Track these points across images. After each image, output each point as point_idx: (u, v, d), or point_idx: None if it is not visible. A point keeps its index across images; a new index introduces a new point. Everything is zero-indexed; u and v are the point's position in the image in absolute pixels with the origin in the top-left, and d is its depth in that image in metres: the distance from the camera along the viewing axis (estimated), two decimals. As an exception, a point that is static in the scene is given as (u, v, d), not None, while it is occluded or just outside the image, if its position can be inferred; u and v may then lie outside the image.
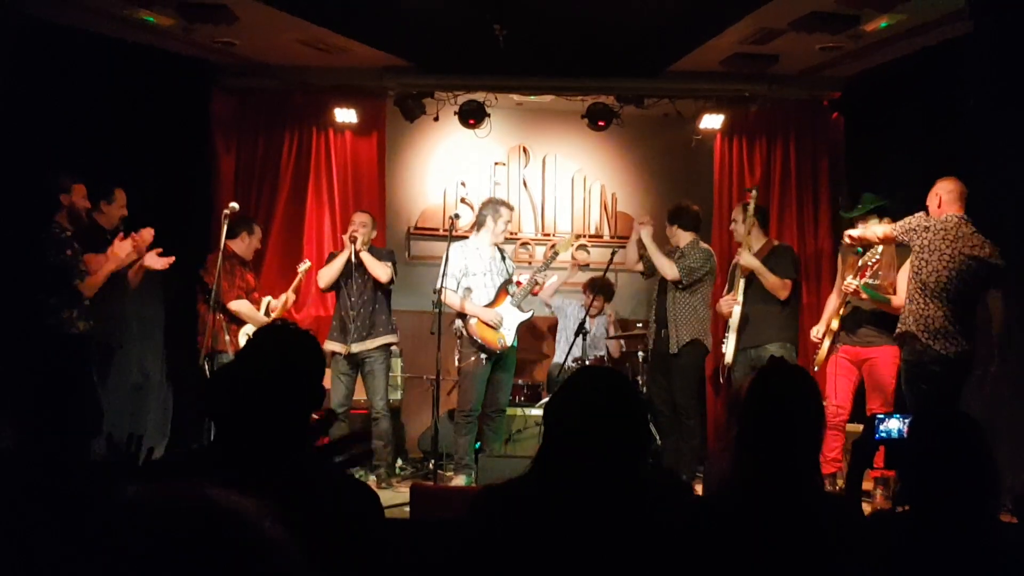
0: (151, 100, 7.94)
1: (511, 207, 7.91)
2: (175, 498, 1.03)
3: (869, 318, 6.84)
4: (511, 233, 8.17)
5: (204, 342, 7.35)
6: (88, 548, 0.98)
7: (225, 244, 7.45)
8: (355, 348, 7.67)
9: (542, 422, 2.63)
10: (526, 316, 7.65)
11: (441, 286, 7.46)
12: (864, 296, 6.63)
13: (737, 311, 7.29)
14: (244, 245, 7.88)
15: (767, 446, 2.56)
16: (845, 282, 6.70)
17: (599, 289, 8.78)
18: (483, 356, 7.51)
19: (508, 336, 7.51)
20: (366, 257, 7.68)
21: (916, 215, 6.13)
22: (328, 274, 7.78)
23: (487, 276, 7.62)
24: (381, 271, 7.71)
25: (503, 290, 7.62)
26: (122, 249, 6.73)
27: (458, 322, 7.62)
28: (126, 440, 2.82)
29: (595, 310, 8.88)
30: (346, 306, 7.72)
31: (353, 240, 7.64)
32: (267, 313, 7.91)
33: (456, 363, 7.86)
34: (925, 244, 6.00)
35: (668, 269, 7.44)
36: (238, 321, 7.66)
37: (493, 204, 7.81)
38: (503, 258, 7.83)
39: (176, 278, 7.65)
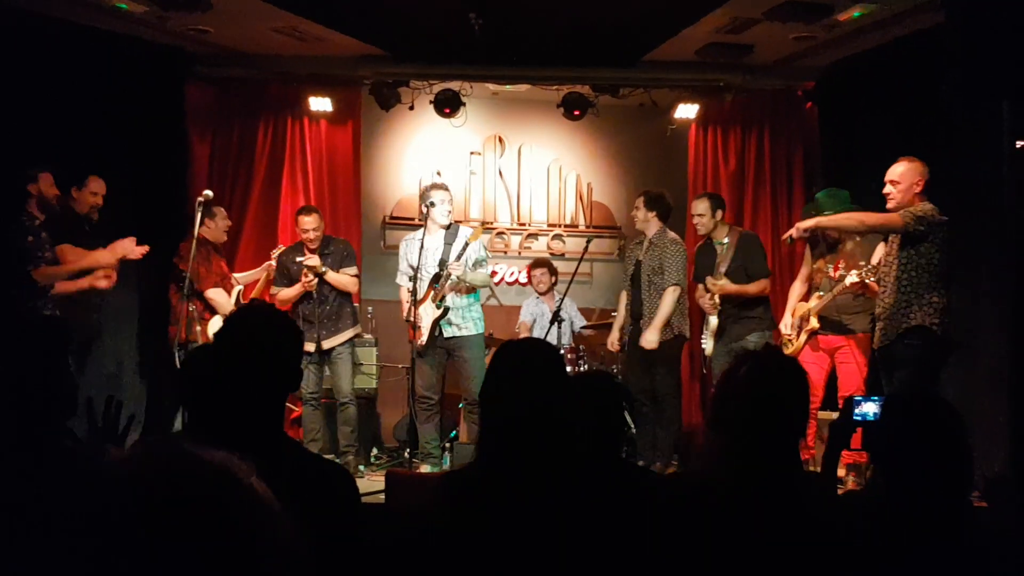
0: (125, 88, 7.87)
1: (443, 187, 7.78)
2: (160, 456, 1.02)
3: (840, 307, 6.88)
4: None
5: (176, 332, 7.34)
6: (72, 514, 0.97)
7: (198, 232, 7.46)
8: (325, 345, 7.74)
9: (480, 404, 2.64)
10: (436, 313, 7.52)
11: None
12: (876, 288, 6.57)
13: (714, 320, 7.40)
14: (213, 230, 7.79)
15: (754, 431, 2.58)
16: (847, 281, 6.63)
17: (540, 264, 8.97)
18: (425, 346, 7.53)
19: (424, 334, 7.48)
20: (333, 278, 7.72)
21: (926, 206, 6.06)
22: (286, 297, 7.78)
23: (422, 269, 7.54)
24: (351, 284, 7.85)
25: (431, 286, 7.56)
26: (104, 257, 6.72)
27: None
28: (105, 406, 2.80)
29: (543, 286, 8.90)
30: (310, 306, 7.73)
31: (319, 274, 7.66)
32: (239, 302, 7.86)
33: None
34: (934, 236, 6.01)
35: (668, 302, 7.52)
36: (211, 310, 7.61)
37: (426, 191, 7.76)
38: (462, 246, 7.56)
39: (151, 267, 7.62)
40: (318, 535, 2.23)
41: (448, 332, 7.51)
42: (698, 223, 7.68)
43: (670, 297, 7.49)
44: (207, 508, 0.99)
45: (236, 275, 8.14)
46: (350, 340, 7.88)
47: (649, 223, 7.70)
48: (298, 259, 7.73)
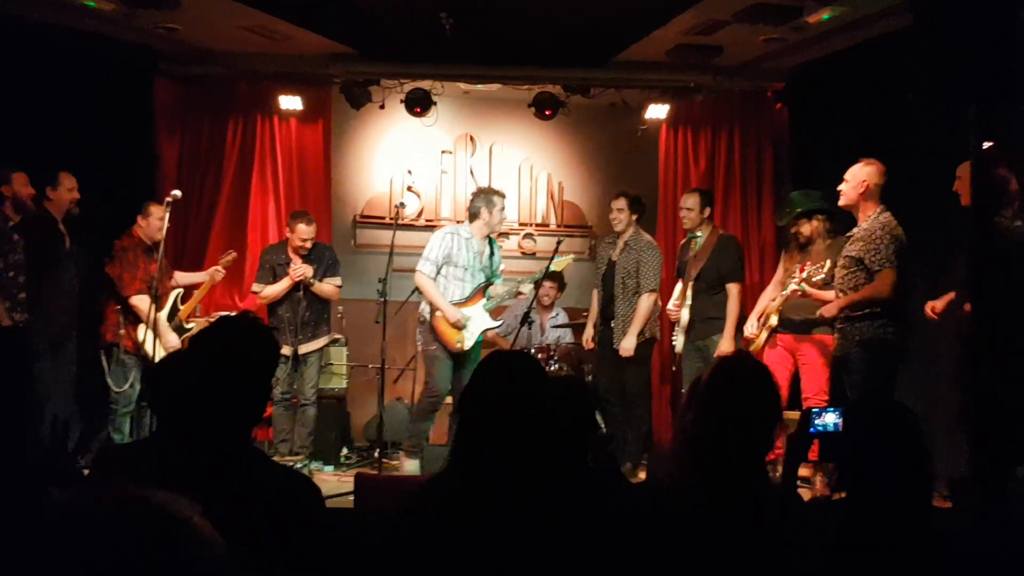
0: (93, 87, 7.83)
1: (503, 195, 7.62)
2: (102, 500, 1.02)
3: (801, 306, 6.91)
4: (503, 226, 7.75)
5: (102, 333, 7.35)
6: (16, 557, 0.97)
7: (130, 230, 7.47)
8: (302, 350, 7.74)
9: (458, 411, 2.64)
10: (494, 325, 7.43)
11: (417, 268, 7.31)
12: (815, 294, 6.66)
13: (686, 314, 7.40)
14: (145, 228, 7.52)
15: (723, 437, 2.58)
16: (787, 290, 6.72)
17: (553, 278, 8.86)
18: (443, 347, 7.29)
19: (468, 340, 7.23)
20: (319, 288, 7.73)
21: (882, 235, 6.04)
22: (271, 294, 7.72)
23: (468, 271, 7.32)
24: (334, 294, 7.89)
25: (480, 291, 7.37)
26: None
27: (425, 307, 7.42)
28: (51, 427, 2.80)
29: (548, 299, 8.86)
30: (290, 311, 7.71)
31: (308, 284, 7.64)
32: (174, 309, 7.73)
33: (418, 346, 7.74)
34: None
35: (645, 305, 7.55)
36: (135, 316, 7.41)
37: (486, 194, 7.52)
38: (491, 254, 7.51)
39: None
40: (284, 545, 2.23)
41: (470, 345, 7.30)
42: (685, 217, 7.70)
43: (646, 303, 7.52)
44: (149, 552, 0.99)
45: (178, 274, 7.98)
46: (324, 346, 7.95)
47: (629, 224, 7.73)
48: (286, 261, 7.72)
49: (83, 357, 7.43)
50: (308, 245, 7.71)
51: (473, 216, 7.42)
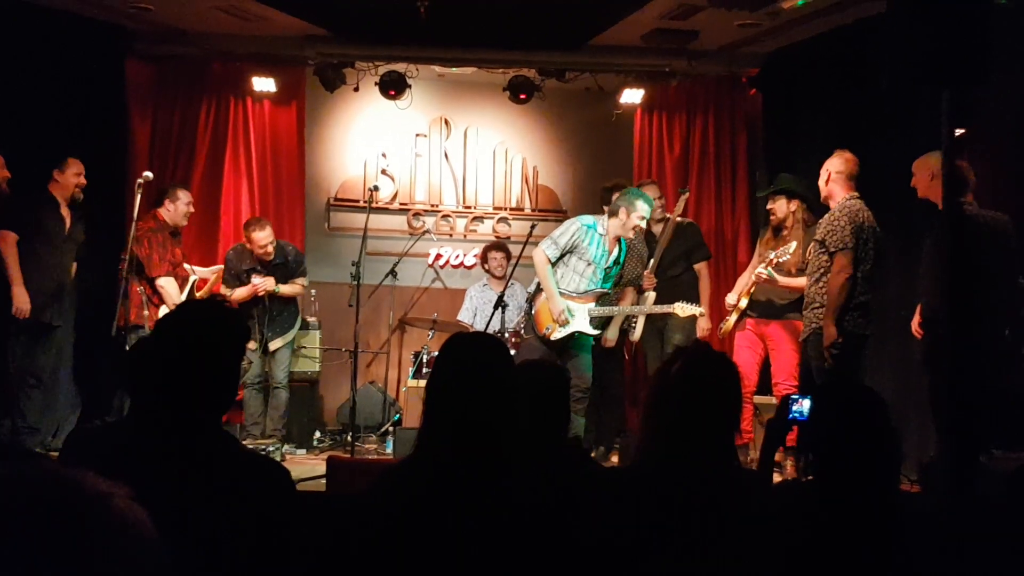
0: (63, 66, 7.75)
1: (652, 202, 7.10)
2: (20, 479, 1.01)
3: (770, 289, 6.95)
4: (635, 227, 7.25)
5: (124, 313, 7.25)
6: None
7: (155, 212, 7.40)
8: (272, 346, 7.85)
9: (424, 396, 2.63)
10: (590, 332, 6.95)
11: (541, 249, 6.89)
12: (780, 283, 6.71)
13: (651, 295, 7.38)
14: (172, 213, 7.58)
15: (686, 429, 2.59)
16: (756, 271, 6.77)
17: (499, 247, 8.93)
18: (536, 335, 7.00)
19: (559, 332, 6.84)
20: (286, 290, 7.81)
21: (839, 216, 6.03)
22: (240, 298, 7.75)
23: (591, 267, 6.89)
24: (301, 291, 8.06)
25: (594, 294, 6.95)
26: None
27: (532, 287, 7.23)
28: None
29: (500, 270, 8.76)
30: (259, 308, 7.77)
31: (267, 294, 7.72)
32: (191, 294, 7.72)
33: (520, 330, 7.78)
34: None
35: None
36: (160, 297, 7.42)
37: (629, 197, 6.92)
38: (619, 260, 7.08)
39: (91, 249, 7.54)
40: (252, 531, 2.22)
41: (557, 336, 6.89)
42: (657, 208, 7.67)
43: (629, 296, 7.53)
44: (64, 532, 0.98)
45: (197, 269, 7.94)
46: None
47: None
48: (250, 268, 7.78)
49: (93, 340, 7.50)
50: (270, 250, 7.74)
51: (612, 213, 6.96)
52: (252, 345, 7.52)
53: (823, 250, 6.06)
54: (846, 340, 5.90)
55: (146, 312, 7.32)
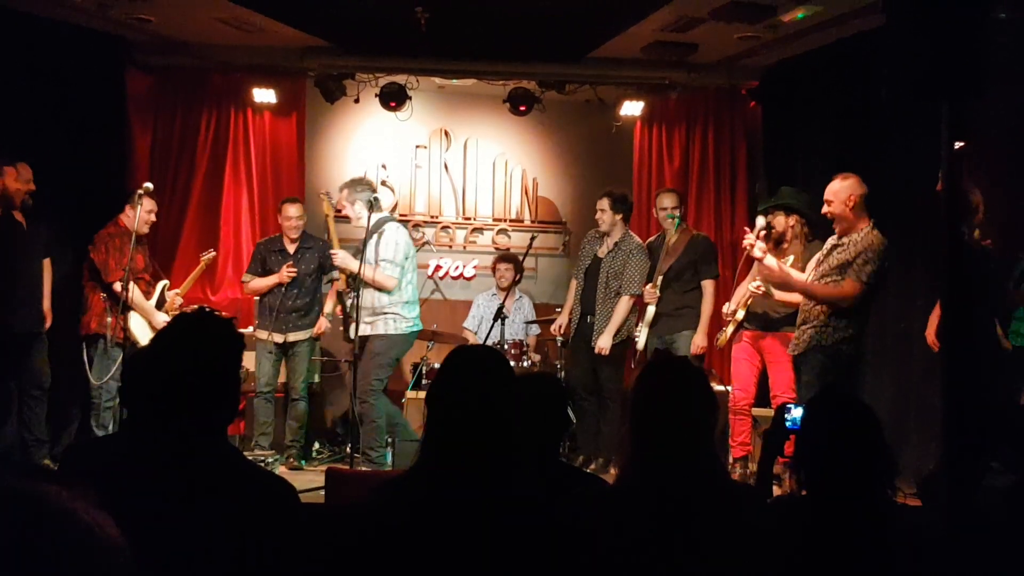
0: (65, 77, 7.75)
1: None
2: None
3: (768, 305, 6.92)
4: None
5: (87, 322, 7.24)
6: None
7: (117, 218, 7.43)
8: (291, 338, 7.76)
9: (425, 408, 2.62)
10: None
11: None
12: (776, 297, 6.68)
13: (651, 310, 7.39)
14: (132, 218, 7.27)
15: (657, 438, 2.57)
16: (752, 285, 6.72)
17: (508, 259, 8.89)
18: None
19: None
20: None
21: (877, 252, 5.91)
22: (256, 288, 7.79)
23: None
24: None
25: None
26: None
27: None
28: None
29: (505, 281, 8.74)
30: (281, 299, 7.69)
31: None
32: (160, 300, 7.71)
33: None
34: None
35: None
36: (118, 302, 7.17)
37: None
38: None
39: (75, 258, 7.54)
40: (253, 547, 2.21)
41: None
42: (658, 215, 7.78)
43: (624, 306, 7.53)
44: (29, 548, 0.98)
45: (166, 284, 7.90)
46: (314, 337, 7.97)
47: (616, 224, 7.69)
48: (278, 249, 7.77)
49: (61, 348, 7.34)
50: (297, 225, 7.76)
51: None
52: (272, 337, 7.64)
53: (838, 273, 5.96)
54: (837, 360, 5.88)
55: (108, 319, 7.27)
